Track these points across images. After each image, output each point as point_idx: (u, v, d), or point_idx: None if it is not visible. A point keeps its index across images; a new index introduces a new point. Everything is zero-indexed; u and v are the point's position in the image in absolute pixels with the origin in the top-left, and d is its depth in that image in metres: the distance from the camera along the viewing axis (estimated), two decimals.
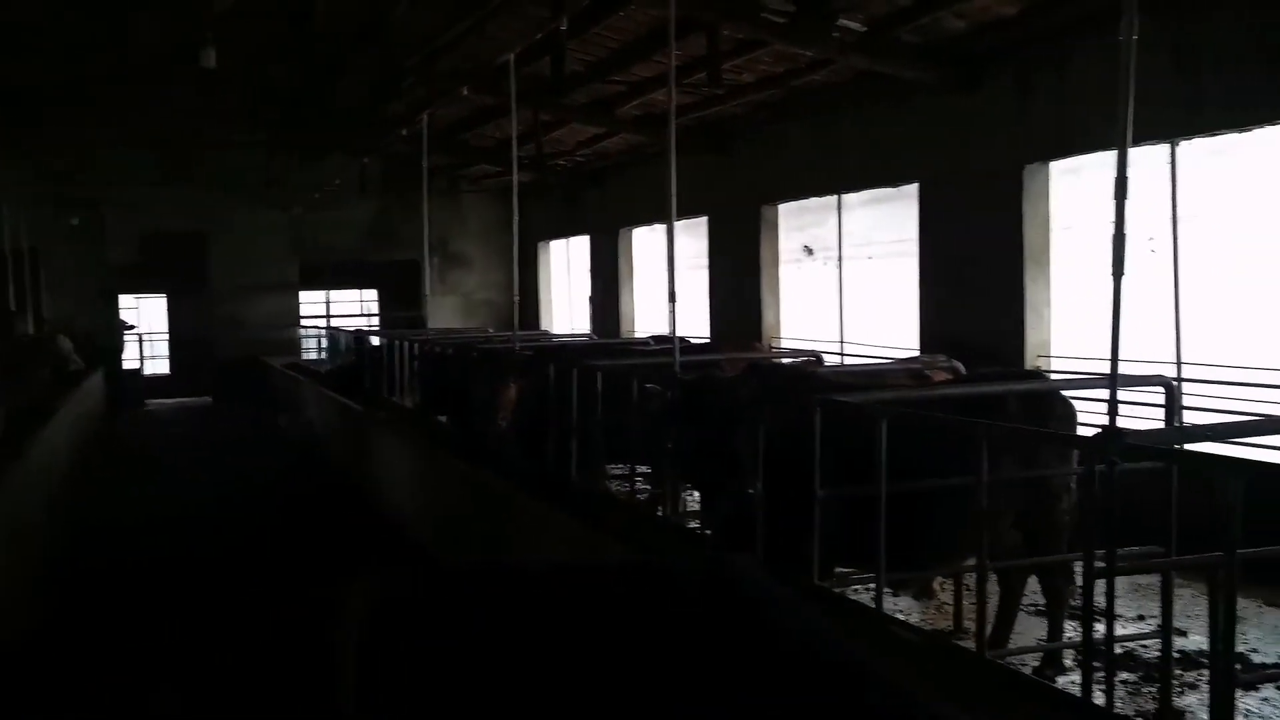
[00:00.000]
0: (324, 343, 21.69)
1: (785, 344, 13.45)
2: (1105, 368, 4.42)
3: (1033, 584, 6.35)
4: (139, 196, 19.69)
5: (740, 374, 7.19)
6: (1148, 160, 8.54)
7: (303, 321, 22.62)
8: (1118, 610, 6.52)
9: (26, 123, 17.55)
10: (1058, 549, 5.79)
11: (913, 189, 11.24)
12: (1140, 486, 4.66)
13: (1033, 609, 6.49)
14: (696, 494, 8.07)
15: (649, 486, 9.00)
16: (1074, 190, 9.53)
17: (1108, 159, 7.29)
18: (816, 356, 9.58)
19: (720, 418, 6.17)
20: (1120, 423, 4.42)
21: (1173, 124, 8.17)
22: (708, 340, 13.73)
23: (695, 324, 14.99)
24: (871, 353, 11.87)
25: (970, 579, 5.86)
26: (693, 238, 15.61)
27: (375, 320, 23.60)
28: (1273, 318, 8.09)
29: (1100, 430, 4.23)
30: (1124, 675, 5.81)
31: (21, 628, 6.60)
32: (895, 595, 7.02)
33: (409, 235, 15.95)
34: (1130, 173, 4.24)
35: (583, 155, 17.63)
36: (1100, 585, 4.20)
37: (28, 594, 7.22)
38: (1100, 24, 7.87)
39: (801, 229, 13.76)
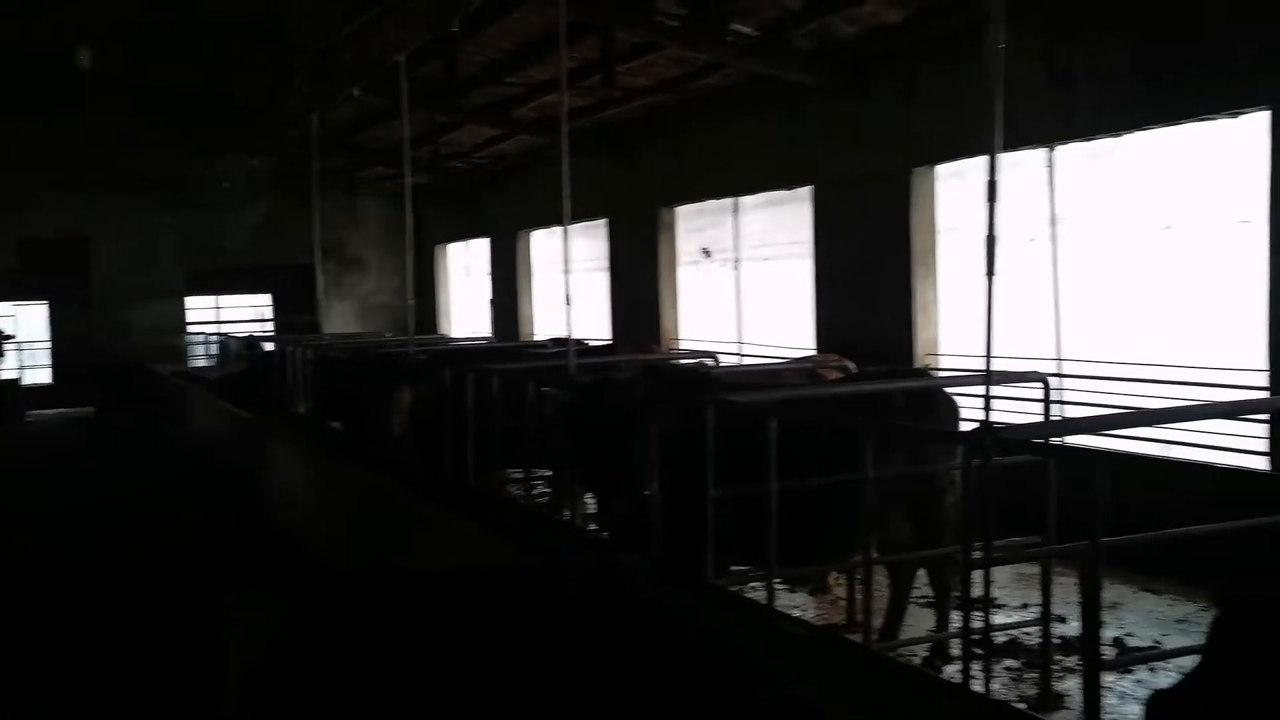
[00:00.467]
0: (213, 349, 21.08)
1: (684, 345, 13.55)
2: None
3: (924, 576, 6.52)
4: (16, 199, 18.88)
5: (636, 375, 7.23)
6: (1028, 164, 8.86)
7: (192, 328, 21.98)
8: (1004, 600, 6.77)
9: None
10: (944, 542, 5.94)
11: (807, 191, 11.42)
12: (1025, 480, 4.83)
13: (924, 600, 6.66)
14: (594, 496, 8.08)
15: (548, 490, 8.97)
16: (959, 193, 9.80)
17: None
18: (713, 357, 9.68)
19: (615, 419, 6.19)
20: (1004, 418, 4.59)
21: (1050, 130, 8.50)
22: (609, 342, 13.75)
23: (596, 326, 15.02)
24: (768, 353, 12.03)
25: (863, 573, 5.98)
26: (593, 240, 15.64)
27: (269, 326, 23.02)
28: (1146, 314, 8.45)
29: (977, 426, 4.36)
30: (1008, 662, 6.00)
31: None
32: (792, 591, 7.13)
33: (303, 238, 15.64)
34: (1010, 176, 4.39)
35: (481, 157, 17.48)
36: (980, 575, 4.34)
37: None
38: (983, 33, 8.10)
39: (700, 231, 13.88)
